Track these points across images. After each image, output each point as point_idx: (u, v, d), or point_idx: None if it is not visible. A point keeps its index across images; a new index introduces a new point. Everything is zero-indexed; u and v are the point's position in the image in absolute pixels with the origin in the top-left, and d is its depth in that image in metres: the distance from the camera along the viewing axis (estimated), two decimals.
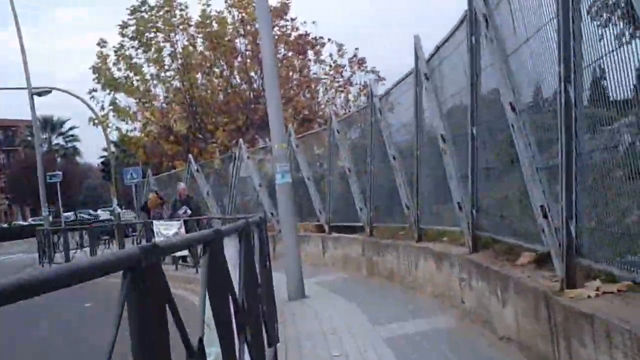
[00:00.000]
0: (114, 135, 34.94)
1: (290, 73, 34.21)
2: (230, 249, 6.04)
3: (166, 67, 33.10)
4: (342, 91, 35.79)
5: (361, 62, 35.63)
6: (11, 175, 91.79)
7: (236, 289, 5.56)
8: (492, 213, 9.01)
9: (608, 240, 5.66)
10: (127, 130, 33.43)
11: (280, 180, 14.90)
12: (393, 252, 14.59)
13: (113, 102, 33.36)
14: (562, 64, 5.49)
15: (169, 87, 33.04)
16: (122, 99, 33.28)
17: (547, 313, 6.24)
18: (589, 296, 5.85)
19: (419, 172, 12.90)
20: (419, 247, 12.81)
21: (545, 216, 6.62)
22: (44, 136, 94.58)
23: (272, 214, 23.65)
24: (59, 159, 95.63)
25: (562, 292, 6.16)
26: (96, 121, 33.20)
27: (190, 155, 29.77)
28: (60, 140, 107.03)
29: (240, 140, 26.00)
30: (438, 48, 10.72)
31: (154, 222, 25.11)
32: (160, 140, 33.60)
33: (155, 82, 32.88)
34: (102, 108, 33.73)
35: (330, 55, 35.80)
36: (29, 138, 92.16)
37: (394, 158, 14.45)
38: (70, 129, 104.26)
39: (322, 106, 34.56)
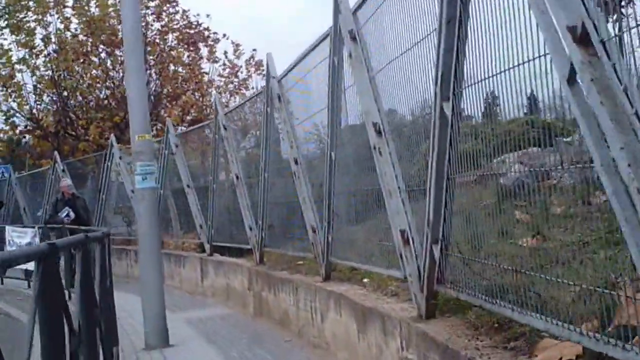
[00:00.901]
0: None
1: (180, 68, 29.79)
2: None
3: (37, 51, 28.21)
4: (236, 93, 31.65)
5: (259, 64, 31.62)
6: None
7: None
8: (476, 257, 5.06)
9: None
10: None
11: (141, 184, 10.87)
12: (289, 291, 10.63)
13: None
14: None
15: (40, 76, 28.12)
16: None
17: None
18: None
19: (333, 183, 8.97)
20: (329, 291, 8.84)
21: None
22: None
23: None
24: None
25: None
26: None
27: (56, 153, 25.20)
28: None
29: (112, 136, 21.58)
30: None
31: (7, 228, 20.91)
32: (27, 135, 28.81)
33: (22, 66, 27.95)
34: None
35: (225, 53, 31.70)
36: None
37: (296, 162, 10.48)
38: None
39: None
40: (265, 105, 11.99)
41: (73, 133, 28.27)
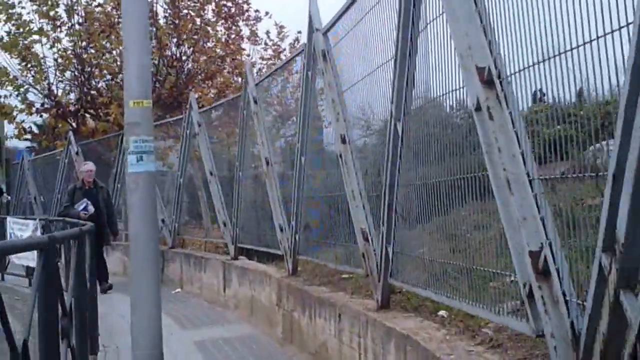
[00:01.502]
0: None
1: (218, 48, 26.81)
2: None
3: (60, 23, 25.44)
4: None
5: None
6: None
7: None
8: None
9: None
10: None
11: (134, 167, 8.12)
12: (330, 316, 7.80)
13: None
14: None
15: (62, 50, 25.36)
16: (4, 59, 25.69)
17: None
18: None
19: (397, 169, 6.10)
20: (388, 328, 5.98)
21: None
22: None
23: (162, 221, 16.86)
24: None
25: None
26: None
27: (70, 133, 22.57)
28: None
29: None
30: None
31: (8, 219, 18.25)
32: (44, 114, 26.09)
33: (41, 37, 25.13)
34: None
35: (268, 32, 28.80)
36: None
37: (343, 140, 7.63)
38: None
39: None
40: (304, 68, 9.15)
41: (93, 112, 25.51)
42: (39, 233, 15.95)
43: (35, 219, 17.18)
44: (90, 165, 15.40)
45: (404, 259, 6.17)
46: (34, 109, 25.65)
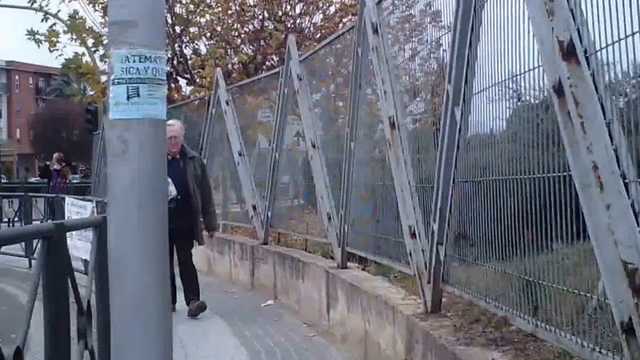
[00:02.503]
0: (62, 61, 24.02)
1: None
2: None
3: None
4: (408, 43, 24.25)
5: (435, 15, 23.93)
6: (36, 127, 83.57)
7: None
8: None
9: None
10: (77, 54, 22.30)
11: (123, 110, 3.94)
12: None
13: (72, 16, 22.23)
14: None
15: None
16: (89, 13, 22.54)
17: None
18: None
19: None
20: None
21: None
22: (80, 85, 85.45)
23: (254, 207, 13.03)
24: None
25: None
26: (38, 37, 22.23)
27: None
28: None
29: (218, 70, 15.02)
30: None
31: (66, 199, 15.38)
32: None
33: None
34: (46, 18, 22.63)
35: None
36: (61, 88, 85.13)
37: (570, 54, 3.31)
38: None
39: None
40: None
41: (188, 77, 21.78)
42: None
43: (92, 201, 14.36)
44: (174, 128, 10.01)
45: None
46: None
